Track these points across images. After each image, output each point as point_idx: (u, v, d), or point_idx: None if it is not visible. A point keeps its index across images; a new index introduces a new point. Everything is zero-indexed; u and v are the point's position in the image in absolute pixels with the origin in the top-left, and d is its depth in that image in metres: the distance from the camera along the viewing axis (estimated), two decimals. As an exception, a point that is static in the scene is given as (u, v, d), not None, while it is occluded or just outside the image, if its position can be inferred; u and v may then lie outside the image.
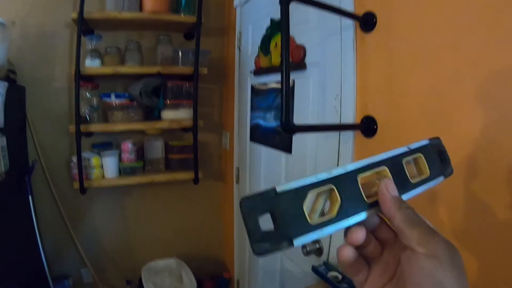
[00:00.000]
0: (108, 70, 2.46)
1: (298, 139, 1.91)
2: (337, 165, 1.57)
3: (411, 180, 0.52)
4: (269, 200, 0.43)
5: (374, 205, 0.47)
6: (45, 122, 2.58)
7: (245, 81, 2.54)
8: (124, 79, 2.69)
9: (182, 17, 2.56)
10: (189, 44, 2.63)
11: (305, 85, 1.84)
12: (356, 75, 1.51)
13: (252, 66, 2.39)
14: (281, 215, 0.42)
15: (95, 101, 2.55)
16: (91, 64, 2.44)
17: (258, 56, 2.29)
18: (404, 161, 0.52)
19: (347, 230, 0.46)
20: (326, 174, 0.45)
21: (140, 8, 2.52)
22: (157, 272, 2.75)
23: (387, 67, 1.37)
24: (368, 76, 1.47)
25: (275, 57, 2.03)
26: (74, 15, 2.29)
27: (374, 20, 1.41)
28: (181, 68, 2.60)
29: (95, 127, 2.48)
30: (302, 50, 1.82)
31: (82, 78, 2.39)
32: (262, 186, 2.35)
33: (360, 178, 0.47)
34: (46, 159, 2.60)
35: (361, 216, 0.46)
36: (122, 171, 2.61)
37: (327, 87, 1.68)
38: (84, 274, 2.82)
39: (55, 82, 2.60)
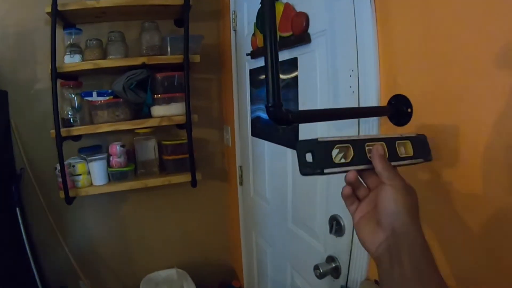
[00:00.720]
0: (87, 65, 2.07)
1: (305, 132, 1.47)
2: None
3: (399, 155, 0.74)
4: (313, 144, 0.65)
5: (371, 162, 0.68)
6: (31, 127, 2.29)
7: (243, 66, 2.10)
8: (111, 74, 2.28)
9: (167, 0, 2.13)
10: (180, 31, 2.19)
11: (310, 62, 1.39)
12: (377, 40, 1.06)
13: (249, 48, 1.94)
14: (318, 155, 0.65)
15: (76, 101, 2.16)
16: (71, 60, 2.08)
17: (254, 34, 1.85)
18: (396, 142, 0.74)
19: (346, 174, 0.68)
20: (347, 137, 0.68)
21: (120, -5, 2.13)
22: (157, 284, 2.42)
23: (423, 21, 0.91)
24: (394, 39, 1.01)
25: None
26: (48, 8, 1.96)
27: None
28: (170, 57, 2.17)
29: (77, 130, 2.09)
30: (304, 18, 1.36)
31: (62, 77, 2.11)
32: (267, 188, 1.94)
33: (367, 145, 0.70)
34: (33, 166, 2.31)
35: (363, 166, 0.68)
36: (111, 176, 2.23)
37: (338, 62, 1.23)
38: (82, 286, 2.47)
39: (37, 84, 2.30)
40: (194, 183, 2.23)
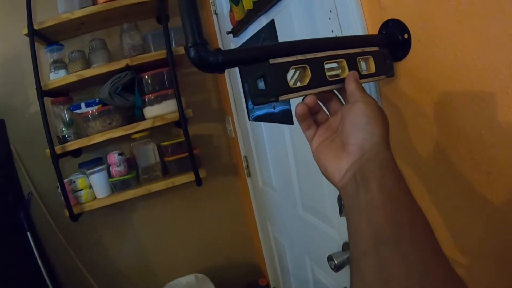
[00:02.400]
0: (71, 78, 1.89)
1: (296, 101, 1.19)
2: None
3: (361, 72, 0.62)
4: (263, 68, 0.53)
5: (333, 83, 0.59)
6: (32, 151, 2.16)
7: (229, 47, 1.82)
8: (99, 84, 2.04)
9: (140, -4, 1.90)
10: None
11: (287, 19, 1.13)
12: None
13: (230, 27, 1.67)
14: (271, 79, 0.53)
15: (67, 116, 1.99)
16: (55, 77, 1.92)
17: (231, 10, 1.58)
18: (358, 58, 0.63)
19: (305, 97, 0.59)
20: (302, 56, 0.57)
21: (95, 2, 1.95)
22: (178, 291, 2.20)
23: None
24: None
25: (247, 1, 1.31)
26: (25, 30, 1.84)
27: None
28: (153, 54, 1.93)
29: (71, 145, 1.90)
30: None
31: (51, 95, 1.98)
32: (273, 175, 1.69)
33: (325, 63, 0.59)
34: (39, 189, 2.19)
35: (324, 87, 0.59)
36: (114, 187, 2.02)
37: (315, 8, 0.95)
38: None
39: (31, 107, 2.19)
40: (198, 181, 1.97)
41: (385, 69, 0.69)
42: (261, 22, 1.31)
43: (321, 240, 1.30)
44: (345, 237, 1.10)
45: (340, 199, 1.02)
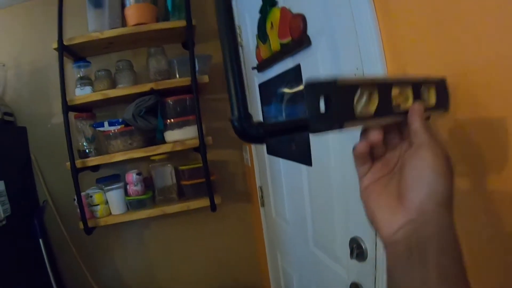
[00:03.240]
0: (96, 96, 1.98)
1: (317, 146, 1.28)
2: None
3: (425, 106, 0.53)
4: (329, 88, 0.44)
5: (398, 113, 0.51)
6: (51, 160, 2.27)
7: (252, 81, 1.92)
8: (123, 103, 2.16)
9: (169, 23, 2.00)
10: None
11: (313, 66, 1.20)
12: (379, 30, 0.87)
13: (255, 62, 1.76)
14: (336, 101, 0.44)
15: (90, 132, 2.08)
16: (81, 93, 2.00)
17: (257, 46, 1.67)
18: (422, 87, 0.56)
19: (367, 130, 0.51)
20: (371, 77, 0.49)
21: (125, 24, 2.05)
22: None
23: (428, 3, 0.71)
24: (397, 26, 0.82)
25: (274, 41, 1.40)
26: (55, 44, 1.92)
27: None
28: (177, 80, 2.02)
29: (91, 161, 1.98)
30: (301, 20, 1.19)
31: (75, 109, 2.05)
32: (287, 208, 1.74)
33: (393, 89, 0.51)
34: (56, 199, 2.28)
35: (391, 119, 0.51)
36: (129, 205, 2.09)
37: (341, 61, 1.04)
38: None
39: (54, 118, 2.30)
40: (213, 207, 2.04)
41: (443, 102, 0.61)
42: (287, 64, 1.38)
43: (329, 277, 1.35)
44: (353, 277, 1.15)
45: (352, 243, 1.09)
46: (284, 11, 1.29)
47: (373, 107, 0.48)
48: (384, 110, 0.49)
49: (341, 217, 1.19)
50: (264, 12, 1.48)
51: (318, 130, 0.45)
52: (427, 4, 0.71)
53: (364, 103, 0.47)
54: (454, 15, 0.65)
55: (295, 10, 1.24)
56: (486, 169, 0.64)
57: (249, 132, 0.55)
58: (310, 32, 1.17)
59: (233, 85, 0.56)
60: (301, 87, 1.31)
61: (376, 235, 0.96)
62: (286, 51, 1.33)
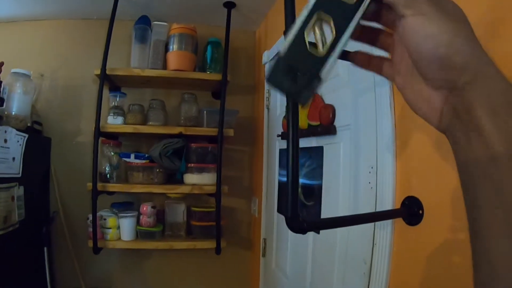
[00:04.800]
0: (128, 128, 2.24)
1: (327, 212, 1.54)
2: (371, 255, 1.21)
3: None
4: (283, 64, 0.43)
5: (359, 4, 0.42)
6: (69, 175, 2.49)
7: (273, 144, 2.21)
8: (149, 138, 2.45)
9: (207, 75, 2.33)
10: (217, 103, 2.33)
11: (335, 153, 1.48)
12: (395, 143, 1.15)
13: (280, 128, 2.05)
14: (298, 66, 0.42)
15: (115, 159, 2.32)
16: (113, 122, 2.25)
17: (285, 117, 1.96)
18: None
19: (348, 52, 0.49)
20: (305, 9, 0.43)
21: (165, 66, 2.35)
22: None
23: (436, 132, 1.00)
24: (410, 142, 1.10)
25: (302, 120, 1.68)
26: (97, 71, 2.17)
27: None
28: (205, 130, 2.30)
29: (112, 187, 2.23)
30: (331, 110, 1.48)
31: (104, 135, 2.26)
32: (288, 264, 1.97)
33: None
34: (66, 212, 2.45)
35: (355, 21, 0.42)
36: (139, 234, 2.32)
37: (360, 157, 1.32)
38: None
39: (80, 136, 2.53)
40: (218, 250, 2.29)
41: None
42: (311, 142, 1.66)
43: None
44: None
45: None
46: (317, 97, 1.58)
47: (331, 30, 0.42)
48: (344, 18, 0.42)
49: (339, 281, 1.43)
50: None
51: (306, 100, 0.43)
52: (434, 133, 1.00)
53: (320, 35, 0.42)
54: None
55: (327, 99, 1.54)
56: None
57: (298, 227, 0.84)
58: (337, 123, 1.46)
59: (291, 195, 0.84)
60: (321, 161, 1.59)
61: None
62: (313, 132, 1.61)
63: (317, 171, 1.61)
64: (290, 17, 0.89)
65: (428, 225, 1.02)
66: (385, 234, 1.16)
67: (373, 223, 1.21)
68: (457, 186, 0.88)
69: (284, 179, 1.98)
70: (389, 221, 1.15)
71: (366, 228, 1.24)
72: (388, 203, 1.14)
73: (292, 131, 0.86)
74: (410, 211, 1.06)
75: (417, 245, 1.05)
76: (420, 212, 1.03)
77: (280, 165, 2.11)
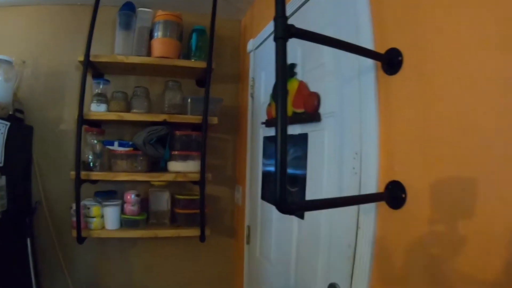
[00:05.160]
0: (112, 116, 2.23)
1: (311, 195, 1.55)
2: (356, 239, 1.24)
3: None
4: None
5: None
6: (51, 164, 2.46)
7: (258, 132, 2.22)
8: (133, 126, 2.45)
9: (191, 62, 2.33)
10: (201, 91, 2.34)
11: (319, 140, 1.50)
12: (379, 129, 1.17)
13: (264, 116, 2.06)
14: None
15: (98, 147, 2.31)
16: (97, 109, 2.24)
17: (269, 105, 1.98)
18: None
19: None
20: None
21: (149, 53, 2.34)
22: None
23: (418, 116, 1.03)
24: (394, 130, 1.12)
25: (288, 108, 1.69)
26: (81, 57, 2.15)
27: (400, 58, 1.08)
28: (190, 117, 2.31)
29: (96, 175, 2.22)
30: (316, 98, 1.49)
31: (87, 123, 2.24)
32: (272, 251, 1.99)
33: None
34: (49, 202, 2.44)
35: None
36: (124, 223, 2.32)
37: (345, 143, 1.34)
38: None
39: (63, 125, 2.49)
40: (202, 238, 2.31)
41: None
42: (295, 129, 1.67)
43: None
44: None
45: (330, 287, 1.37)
46: (302, 85, 1.59)
47: None
48: None
49: (323, 265, 1.45)
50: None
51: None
52: (418, 122, 1.03)
53: None
54: (438, 137, 0.96)
55: (312, 87, 1.55)
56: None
57: (286, 208, 0.85)
58: (321, 110, 1.47)
59: (280, 179, 0.85)
60: (305, 148, 1.60)
61: (351, 283, 1.25)
62: (297, 119, 1.62)
63: (302, 158, 1.62)
64: (280, 2, 0.90)
65: (411, 209, 1.04)
66: (369, 218, 1.18)
67: (357, 208, 1.24)
68: (440, 171, 0.91)
69: (268, 168, 2.01)
70: (373, 206, 1.17)
71: (350, 212, 1.26)
72: (372, 187, 1.16)
73: (280, 111, 0.86)
74: (393, 195, 1.08)
75: (400, 228, 1.08)
76: (403, 196, 1.05)
77: (264, 155, 2.12)
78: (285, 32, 0.88)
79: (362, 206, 1.22)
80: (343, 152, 1.33)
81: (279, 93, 0.86)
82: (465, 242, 0.87)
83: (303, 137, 1.61)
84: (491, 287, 0.80)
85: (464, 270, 0.87)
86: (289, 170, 1.72)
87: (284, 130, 0.84)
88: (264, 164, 2.13)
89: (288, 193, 1.68)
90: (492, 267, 0.80)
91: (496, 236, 0.79)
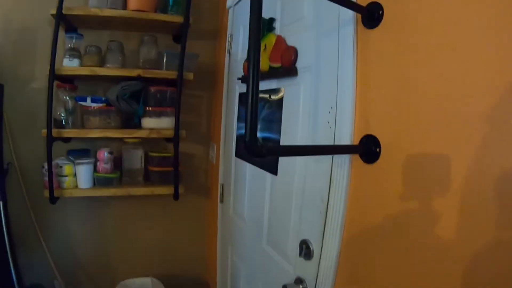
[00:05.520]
0: (84, 70, 2.14)
1: (285, 160, 1.55)
2: (328, 193, 1.24)
3: None
4: None
5: None
6: (23, 123, 2.35)
7: (234, 89, 2.18)
8: (106, 82, 2.37)
9: (168, 17, 2.23)
10: (178, 47, 2.27)
11: (295, 95, 1.48)
12: (355, 83, 1.15)
13: (241, 72, 2.01)
14: None
15: (70, 104, 2.22)
16: (69, 64, 2.14)
17: (246, 61, 1.92)
18: None
19: None
20: None
21: (125, 7, 2.23)
22: (131, 291, 2.43)
23: (395, 73, 1.01)
24: (370, 84, 1.11)
25: (264, 62, 1.65)
26: (53, 11, 2.04)
27: (380, 12, 1.06)
28: (165, 72, 2.25)
29: (68, 133, 2.15)
30: (293, 52, 1.45)
31: (59, 79, 2.17)
32: (246, 209, 2.00)
33: None
34: (21, 162, 2.35)
35: None
36: (97, 181, 2.28)
37: (320, 98, 1.32)
38: (56, 285, 2.49)
39: (34, 82, 2.36)
40: (176, 196, 2.30)
41: None
42: (271, 84, 1.65)
43: (277, 271, 1.62)
44: (298, 273, 1.42)
45: (302, 244, 1.37)
46: (280, 39, 1.55)
47: None
48: None
49: (296, 221, 1.46)
50: (261, 34, 1.74)
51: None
52: (393, 77, 1.00)
53: None
54: (413, 95, 0.94)
55: (290, 41, 1.51)
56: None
57: (255, 150, 0.82)
58: (298, 64, 1.45)
59: (250, 119, 0.82)
60: (281, 99, 1.58)
61: (323, 239, 1.25)
62: (274, 74, 1.59)
63: (277, 112, 1.61)
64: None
65: (385, 164, 1.03)
66: (342, 172, 1.17)
67: (330, 163, 1.23)
68: (414, 127, 0.90)
69: (241, 131, 1.99)
70: (346, 160, 1.16)
71: (324, 167, 1.26)
72: (346, 141, 1.15)
73: (253, 48, 0.83)
74: (367, 148, 1.07)
75: (374, 183, 1.07)
76: (378, 150, 1.05)
77: (239, 118, 2.10)
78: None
79: (336, 160, 1.21)
80: (318, 106, 1.32)
81: (251, 31, 0.82)
82: (434, 200, 0.88)
83: (279, 92, 1.60)
84: (447, 246, 0.81)
85: (432, 229, 0.88)
86: (263, 127, 1.71)
87: (256, 68, 0.81)
88: (238, 128, 2.11)
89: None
90: (457, 230, 0.81)
91: (466, 202, 0.80)
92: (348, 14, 1.17)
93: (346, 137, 1.15)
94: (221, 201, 2.39)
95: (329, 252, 1.23)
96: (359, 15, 1.14)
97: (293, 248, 1.46)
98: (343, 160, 1.17)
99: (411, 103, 0.95)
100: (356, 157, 1.12)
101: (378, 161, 1.05)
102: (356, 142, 1.13)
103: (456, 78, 0.82)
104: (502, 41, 0.73)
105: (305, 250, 1.34)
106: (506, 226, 0.71)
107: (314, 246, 1.32)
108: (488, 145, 0.75)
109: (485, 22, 0.77)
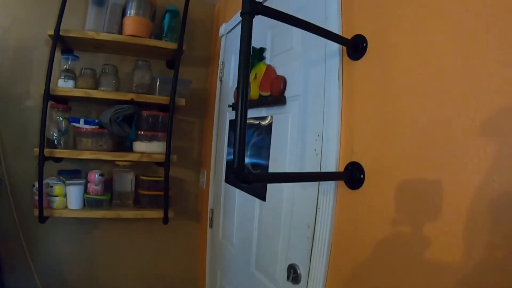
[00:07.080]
0: (79, 92, 2.18)
1: (273, 186, 1.59)
2: (315, 219, 1.27)
3: None
4: None
5: None
6: (15, 141, 2.35)
7: (224, 115, 2.23)
8: (100, 104, 2.41)
9: (162, 43, 2.31)
10: (171, 73, 2.31)
11: (284, 123, 1.52)
12: (341, 112, 1.21)
13: (231, 100, 2.07)
14: None
15: (64, 124, 2.25)
16: (64, 85, 2.18)
17: (236, 88, 1.97)
18: None
19: None
20: None
21: (121, 31, 2.30)
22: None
23: (378, 102, 1.06)
24: (355, 113, 1.16)
25: (254, 90, 1.71)
26: (50, 31, 2.10)
27: (364, 44, 1.11)
28: (157, 97, 2.29)
29: (60, 153, 2.16)
30: (282, 81, 1.51)
31: (54, 99, 2.19)
32: (235, 233, 2.02)
33: None
34: (12, 180, 2.34)
35: None
36: (87, 203, 2.28)
37: (307, 126, 1.36)
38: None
39: (29, 100, 2.38)
40: (166, 220, 2.31)
41: None
42: (261, 112, 1.70)
43: (265, 297, 1.64)
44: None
45: (289, 268, 1.39)
46: (270, 69, 1.61)
47: None
48: None
49: (284, 246, 1.49)
50: (251, 63, 1.80)
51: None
52: (377, 107, 1.05)
53: None
54: (395, 122, 0.99)
55: (279, 71, 1.57)
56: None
57: (244, 178, 0.86)
58: (287, 93, 1.50)
59: (238, 147, 0.86)
60: (267, 122, 1.63)
61: (310, 263, 1.27)
62: (263, 102, 1.64)
63: (266, 140, 1.65)
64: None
65: (369, 190, 1.08)
66: (328, 198, 1.21)
67: (317, 190, 1.26)
68: (396, 153, 0.94)
69: (231, 157, 2.02)
70: (332, 187, 1.20)
71: (310, 194, 1.30)
72: (331, 168, 1.20)
73: (242, 77, 0.87)
74: (352, 175, 1.12)
75: (358, 209, 1.11)
76: (362, 176, 1.09)
77: (229, 144, 2.14)
78: (252, 7, 0.90)
79: (322, 187, 1.25)
80: (306, 134, 1.36)
81: (241, 63, 0.87)
82: (419, 224, 0.91)
83: (268, 119, 1.64)
84: (433, 270, 0.84)
85: (417, 251, 0.90)
86: (253, 153, 1.75)
87: (245, 96, 0.86)
88: (228, 153, 2.14)
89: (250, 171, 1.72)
90: (440, 249, 0.84)
91: (451, 225, 0.83)
92: (334, 46, 1.23)
93: (331, 164, 1.20)
94: (211, 226, 2.41)
95: (316, 276, 1.25)
96: (345, 47, 1.19)
97: (281, 272, 1.48)
98: (328, 186, 1.21)
99: (393, 131, 1.00)
100: (342, 183, 1.16)
101: (362, 187, 1.09)
102: (341, 169, 1.17)
103: (437, 105, 0.87)
104: (478, 66, 0.78)
105: (293, 274, 1.36)
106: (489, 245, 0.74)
107: (302, 271, 1.34)
108: (468, 169, 0.79)
109: (463, 52, 0.82)
